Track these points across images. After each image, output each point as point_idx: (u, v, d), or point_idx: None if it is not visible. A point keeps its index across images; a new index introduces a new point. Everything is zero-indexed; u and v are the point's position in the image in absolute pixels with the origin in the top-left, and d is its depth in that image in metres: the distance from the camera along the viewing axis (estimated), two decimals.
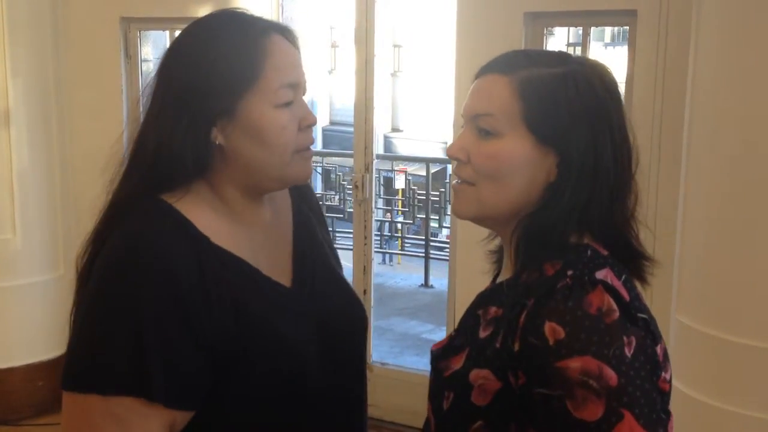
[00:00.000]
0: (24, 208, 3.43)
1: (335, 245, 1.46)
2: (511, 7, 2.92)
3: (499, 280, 1.09)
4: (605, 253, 0.99)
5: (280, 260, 1.17)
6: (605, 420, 0.85)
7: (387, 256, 7.88)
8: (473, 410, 0.96)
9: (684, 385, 2.25)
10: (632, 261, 1.03)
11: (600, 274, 0.95)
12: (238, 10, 1.14)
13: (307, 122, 1.11)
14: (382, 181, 8.05)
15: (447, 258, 3.92)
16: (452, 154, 1.04)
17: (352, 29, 3.33)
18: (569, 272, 0.94)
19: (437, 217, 6.93)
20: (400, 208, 7.91)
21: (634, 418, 0.86)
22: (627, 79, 2.83)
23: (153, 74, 1.13)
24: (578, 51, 3.06)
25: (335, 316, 1.18)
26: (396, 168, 8.61)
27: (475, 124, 1.01)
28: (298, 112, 1.10)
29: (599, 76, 1.01)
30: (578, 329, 0.88)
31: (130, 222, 1.06)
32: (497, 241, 1.15)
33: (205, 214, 1.09)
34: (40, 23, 3.42)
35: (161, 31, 3.79)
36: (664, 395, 0.96)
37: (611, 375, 0.86)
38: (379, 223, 7.12)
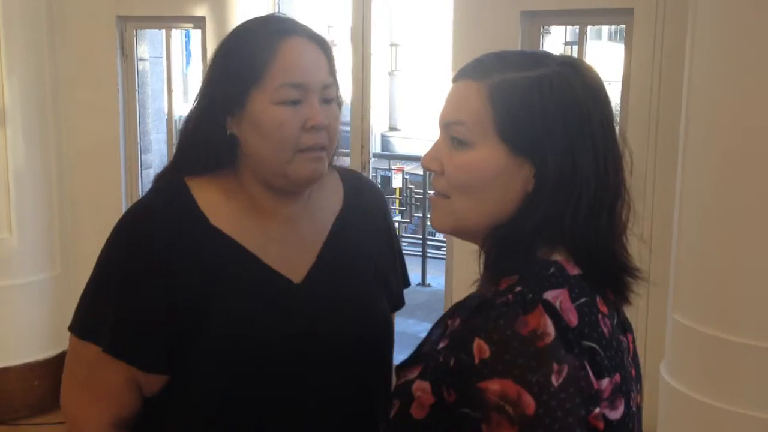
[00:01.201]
0: (20, 208, 3.42)
1: None
2: (508, 6, 2.92)
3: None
4: (574, 272, 0.93)
5: (298, 257, 1.19)
6: None
7: None
8: (411, 423, 0.92)
9: (680, 384, 2.26)
10: (614, 278, 0.96)
11: (549, 295, 0.88)
12: (277, 14, 1.24)
13: (311, 122, 1.12)
14: (379, 180, 8.05)
15: (444, 257, 3.92)
16: (426, 164, 0.99)
17: (349, 28, 3.32)
18: (517, 289, 0.89)
19: None
20: (397, 207, 7.91)
21: None
22: (623, 77, 2.84)
23: None
24: (575, 49, 3.06)
25: (335, 327, 1.17)
26: (393, 167, 8.59)
27: (448, 132, 0.96)
28: (304, 113, 1.13)
29: (581, 77, 0.94)
30: (504, 350, 0.83)
31: (144, 196, 1.23)
32: None
33: (213, 197, 1.17)
34: (36, 22, 3.41)
35: (157, 30, 3.78)
36: None
37: (530, 403, 0.81)
38: None
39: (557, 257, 0.93)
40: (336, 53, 1.21)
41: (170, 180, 1.19)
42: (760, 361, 2.09)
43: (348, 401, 1.19)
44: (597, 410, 0.86)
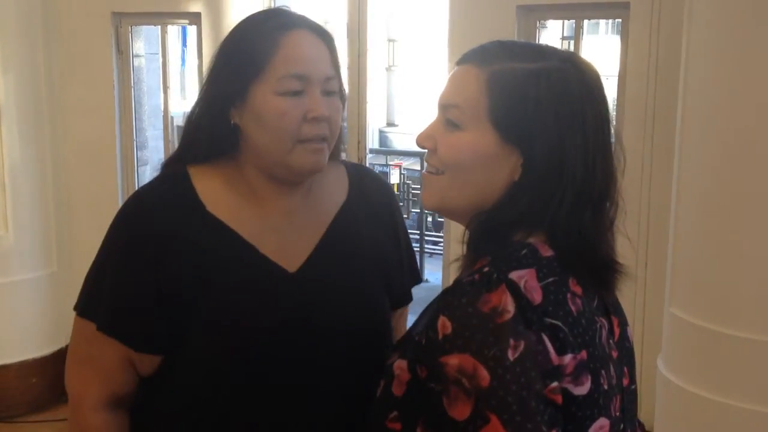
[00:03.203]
0: (16, 205, 3.42)
1: None
2: (504, 1, 2.92)
3: None
4: (548, 254, 0.95)
5: (296, 247, 1.20)
6: (471, 421, 0.84)
7: None
8: (392, 400, 0.96)
9: (677, 378, 2.26)
10: (596, 272, 0.98)
11: (515, 274, 0.91)
12: (281, 8, 1.27)
13: (312, 114, 1.15)
14: None
15: (441, 252, 3.92)
16: (420, 141, 1.03)
17: (345, 23, 3.32)
18: (485, 269, 0.92)
19: (432, 212, 6.93)
20: None
21: (501, 423, 0.83)
22: (620, 71, 2.84)
23: None
24: (572, 44, 3.06)
25: (328, 315, 1.18)
26: (390, 163, 8.59)
27: (445, 113, 1.00)
28: (306, 104, 1.15)
29: (580, 75, 0.96)
30: (464, 326, 0.87)
31: (147, 183, 1.28)
32: None
33: (212, 185, 1.20)
34: (31, 18, 3.40)
35: (153, 27, 3.77)
36: (557, 407, 0.88)
37: (484, 376, 0.84)
38: None
39: (532, 240, 0.96)
40: (339, 47, 1.24)
41: (173, 167, 1.24)
42: (757, 355, 2.09)
43: (344, 387, 1.19)
44: (555, 384, 0.88)
